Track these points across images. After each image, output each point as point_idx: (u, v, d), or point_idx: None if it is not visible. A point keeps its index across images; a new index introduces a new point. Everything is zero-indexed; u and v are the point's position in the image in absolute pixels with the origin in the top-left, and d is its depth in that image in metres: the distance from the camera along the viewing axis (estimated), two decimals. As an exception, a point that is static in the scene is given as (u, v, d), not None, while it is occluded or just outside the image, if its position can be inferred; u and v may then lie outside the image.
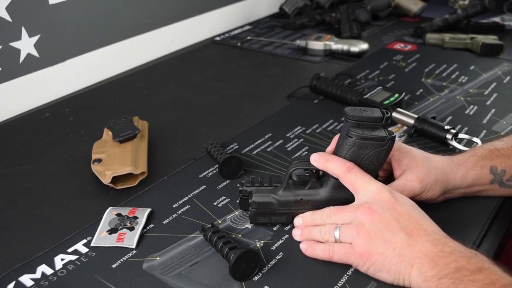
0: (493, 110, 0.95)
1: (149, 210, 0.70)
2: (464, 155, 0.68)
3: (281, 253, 0.63)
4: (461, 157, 0.67)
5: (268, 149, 0.86)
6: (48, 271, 0.61)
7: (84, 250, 0.64)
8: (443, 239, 0.54)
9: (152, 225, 0.68)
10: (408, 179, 0.64)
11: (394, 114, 0.89)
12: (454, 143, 0.82)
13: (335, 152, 0.63)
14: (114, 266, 0.61)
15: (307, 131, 0.91)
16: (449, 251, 0.52)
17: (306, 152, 0.84)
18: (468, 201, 0.71)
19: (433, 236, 0.54)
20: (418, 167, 0.64)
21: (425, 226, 0.55)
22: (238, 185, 0.71)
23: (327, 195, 0.64)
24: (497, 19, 1.48)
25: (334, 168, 0.61)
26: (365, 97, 0.93)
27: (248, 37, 1.43)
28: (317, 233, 0.61)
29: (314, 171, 0.64)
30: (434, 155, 0.68)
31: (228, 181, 0.77)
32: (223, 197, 0.74)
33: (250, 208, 0.66)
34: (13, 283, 0.59)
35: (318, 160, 0.62)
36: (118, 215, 0.69)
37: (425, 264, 0.52)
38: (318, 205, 0.64)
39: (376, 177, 0.61)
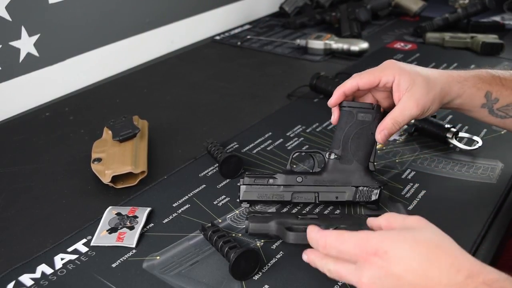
0: (493, 109, 0.95)
1: (149, 209, 0.70)
2: (466, 73, 0.69)
3: (281, 252, 0.62)
4: (462, 74, 0.69)
5: (268, 148, 0.86)
6: (48, 270, 0.61)
7: (84, 249, 0.64)
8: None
9: (152, 224, 0.68)
10: (407, 105, 0.65)
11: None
12: (454, 141, 0.82)
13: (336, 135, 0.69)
14: (114, 265, 0.61)
15: (307, 130, 0.91)
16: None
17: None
18: (468, 201, 0.71)
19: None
20: (416, 90, 0.65)
21: (435, 280, 0.44)
22: (239, 183, 0.71)
23: (328, 175, 0.68)
24: (497, 18, 1.48)
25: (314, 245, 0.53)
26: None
27: (248, 37, 1.43)
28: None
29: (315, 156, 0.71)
30: (435, 72, 0.68)
31: (228, 180, 0.77)
32: (223, 196, 0.73)
33: (246, 233, 0.64)
34: (13, 283, 0.59)
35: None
36: (118, 214, 0.69)
37: None
38: (320, 183, 0.68)
39: (366, 165, 0.68)
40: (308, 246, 0.59)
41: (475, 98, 0.68)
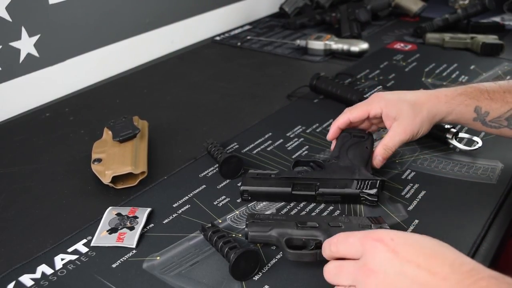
0: (493, 110, 0.95)
1: (149, 209, 0.70)
2: (453, 92, 0.72)
3: (281, 252, 0.62)
4: (449, 93, 0.72)
5: (268, 149, 0.86)
6: (48, 271, 0.61)
7: (84, 250, 0.64)
8: (466, 280, 0.43)
9: (152, 225, 0.68)
10: (396, 132, 0.71)
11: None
12: (454, 142, 0.82)
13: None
14: (114, 265, 0.61)
15: (307, 131, 0.91)
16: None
17: (306, 152, 0.84)
18: (468, 202, 0.71)
19: (454, 278, 0.43)
20: (403, 119, 0.71)
21: (439, 268, 0.44)
22: (239, 184, 0.72)
23: (328, 172, 0.72)
24: (497, 18, 1.48)
25: (329, 254, 0.54)
26: (365, 96, 0.93)
27: (248, 37, 1.43)
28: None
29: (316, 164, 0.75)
30: (422, 96, 0.72)
31: (228, 181, 0.77)
32: (223, 197, 0.73)
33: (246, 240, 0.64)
34: (13, 283, 0.59)
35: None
36: (118, 214, 0.69)
37: None
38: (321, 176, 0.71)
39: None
40: (306, 263, 0.60)
41: (465, 114, 0.72)
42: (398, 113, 0.71)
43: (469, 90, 0.72)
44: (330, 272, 0.53)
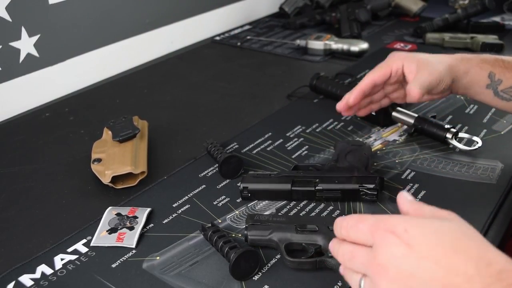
0: (493, 109, 0.95)
1: (149, 209, 0.70)
2: (470, 55, 0.74)
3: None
4: (466, 55, 0.75)
5: (268, 149, 0.86)
6: (48, 271, 0.61)
7: (84, 249, 0.64)
8: (496, 284, 0.37)
9: (152, 225, 0.68)
10: (422, 73, 0.72)
11: (394, 114, 0.89)
12: (454, 142, 0.82)
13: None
14: (114, 265, 0.61)
15: (307, 131, 0.91)
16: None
17: (306, 152, 0.84)
18: (467, 201, 0.71)
19: (480, 282, 0.37)
20: (425, 66, 0.72)
21: (462, 269, 0.38)
22: (239, 184, 0.72)
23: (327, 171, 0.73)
24: (497, 18, 1.47)
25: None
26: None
27: (248, 37, 1.43)
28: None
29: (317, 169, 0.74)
30: (440, 55, 0.75)
31: (228, 181, 0.77)
32: (223, 197, 0.73)
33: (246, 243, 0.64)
34: (13, 283, 0.59)
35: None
36: (118, 214, 0.69)
37: None
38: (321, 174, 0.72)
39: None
40: (305, 271, 0.59)
41: (480, 77, 0.73)
42: (419, 64, 0.72)
43: (486, 56, 0.74)
44: (343, 255, 0.47)
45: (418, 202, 0.47)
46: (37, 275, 0.60)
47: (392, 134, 0.88)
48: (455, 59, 0.74)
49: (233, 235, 0.66)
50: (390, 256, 0.41)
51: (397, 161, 0.80)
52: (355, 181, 0.70)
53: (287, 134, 0.90)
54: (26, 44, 1.04)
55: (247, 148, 0.86)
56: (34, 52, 1.07)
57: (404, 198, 0.47)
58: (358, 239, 0.45)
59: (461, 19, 1.39)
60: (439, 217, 0.44)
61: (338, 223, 0.48)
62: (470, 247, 0.39)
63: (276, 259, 0.61)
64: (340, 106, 0.78)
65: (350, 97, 0.76)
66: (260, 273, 0.59)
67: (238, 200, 0.72)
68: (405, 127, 0.89)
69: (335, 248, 0.48)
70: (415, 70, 0.73)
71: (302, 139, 0.88)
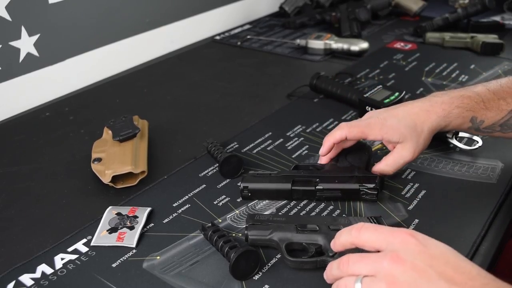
0: (493, 109, 0.95)
1: (149, 209, 0.70)
2: (450, 105, 0.72)
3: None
4: (446, 107, 0.72)
5: (268, 148, 0.86)
6: (48, 270, 0.61)
7: (84, 249, 0.64)
8: (492, 283, 0.45)
9: (152, 224, 0.68)
10: (402, 154, 0.71)
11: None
12: (454, 141, 0.82)
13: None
14: (114, 265, 0.61)
15: (307, 130, 0.91)
16: None
17: (306, 151, 0.84)
18: (468, 201, 0.71)
19: (480, 281, 0.45)
20: (407, 141, 0.70)
21: (467, 269, 0.46)
22: (239, 183, 0.72)
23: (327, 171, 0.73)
24: (497, 18, 1.47)
25: (346, 239, 0.53)
26: (365, 95, 0.93)
27: (248, 36, 1.42)
28: None
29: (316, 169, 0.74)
30: (418, 111, 0.72)
31: (228, 180, 0.77)
32: (223, 196, 0.73)
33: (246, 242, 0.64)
34: (13, 283, 0.59)
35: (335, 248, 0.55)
36: (118, 214, 0.69)
37: None
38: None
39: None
40: (306, 271, 0.59)
41: (461, 125, 0.73)
42: (401, 138, 0.70)
43: (466, 101, 0.72)
44: (349, 260, 0.50)
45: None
46: (38, 274, 0.60)
47: (392, 134, 0.88)
48: (436, 118, 0.71)
49: (234, 234, 0.66)
50: (409, 252, 0.47)
51: (397, 160, 0.80)
52: (355, 180, 0.70)
53: (287, 134, 0.90)
54: (26, 44, 1.04)
55: (247, 148, 0.86)
56: (34, 52, 1.07)
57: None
58: (370, 240, 0.50)
59: (461, 19, 1.39)
60: None
61: (347, 228, 0.53)
62: (472, 263, 0.47)
63: (277, 259, 0.61)
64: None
65: (322, 150, 0.74)
66: (261, 273, 0.59)
67: (238, 200, 0.72)
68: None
69: (344, 259, 0.51)
70: (395, 144, 0.71)
71: (302, 138, 0.88)
